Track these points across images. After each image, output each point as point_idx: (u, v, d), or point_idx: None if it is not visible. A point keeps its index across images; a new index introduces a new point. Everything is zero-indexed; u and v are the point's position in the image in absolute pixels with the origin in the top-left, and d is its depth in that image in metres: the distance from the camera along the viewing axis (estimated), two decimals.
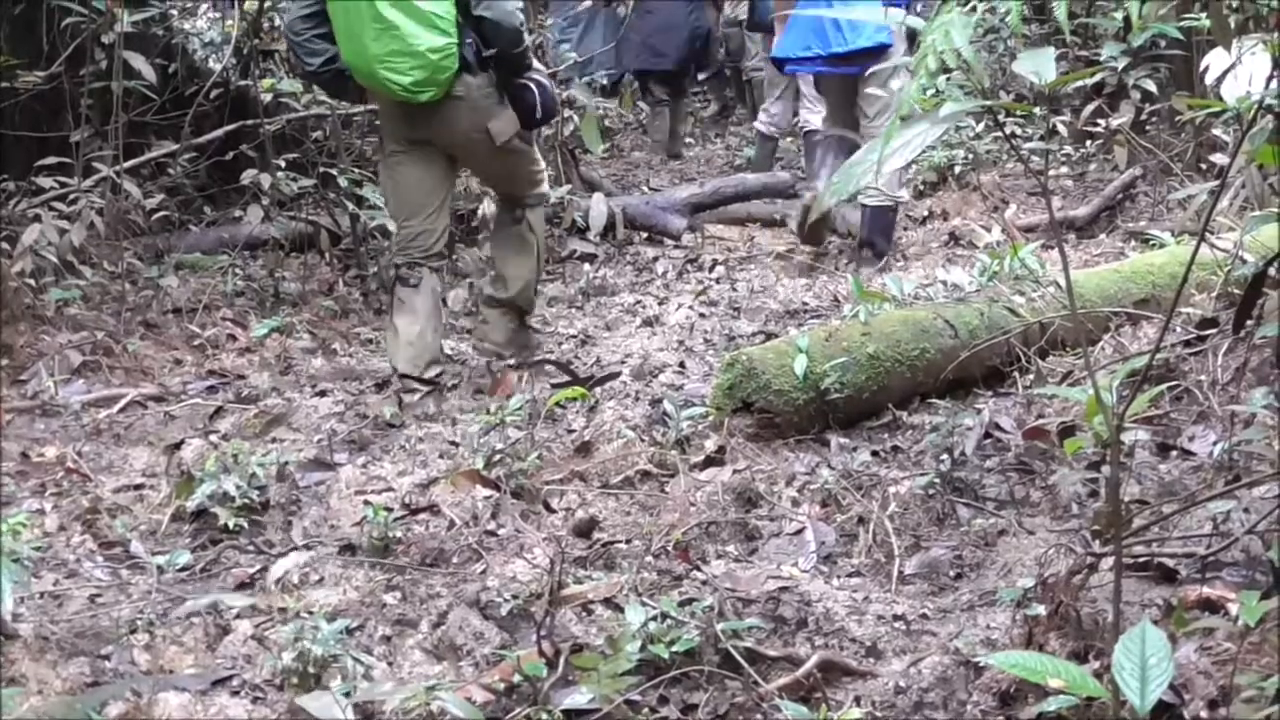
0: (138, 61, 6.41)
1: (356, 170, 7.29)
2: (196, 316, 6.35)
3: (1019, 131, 8.71)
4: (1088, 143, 8.83)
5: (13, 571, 3.22)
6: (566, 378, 5.50)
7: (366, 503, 4.09)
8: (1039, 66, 2.36)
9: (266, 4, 7.59)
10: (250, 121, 7.21)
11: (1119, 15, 7.40)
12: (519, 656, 3.05)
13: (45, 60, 6.70)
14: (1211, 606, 2.88)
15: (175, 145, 7.14)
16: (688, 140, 12.26)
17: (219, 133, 7.23)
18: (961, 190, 8.68)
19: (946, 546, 3.76)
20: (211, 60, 8.27)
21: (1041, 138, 8.59)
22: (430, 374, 5.29)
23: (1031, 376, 4.69)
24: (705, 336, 6.11)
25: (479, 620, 3.38)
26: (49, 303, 5.97)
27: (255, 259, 7.28)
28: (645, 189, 9.76)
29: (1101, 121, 8.19)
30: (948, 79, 2.67)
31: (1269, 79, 2.92)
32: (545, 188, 5.78)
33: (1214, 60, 3.81)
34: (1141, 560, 3.20)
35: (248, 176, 6.91)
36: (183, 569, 3.83)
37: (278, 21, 7.81)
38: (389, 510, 4.01)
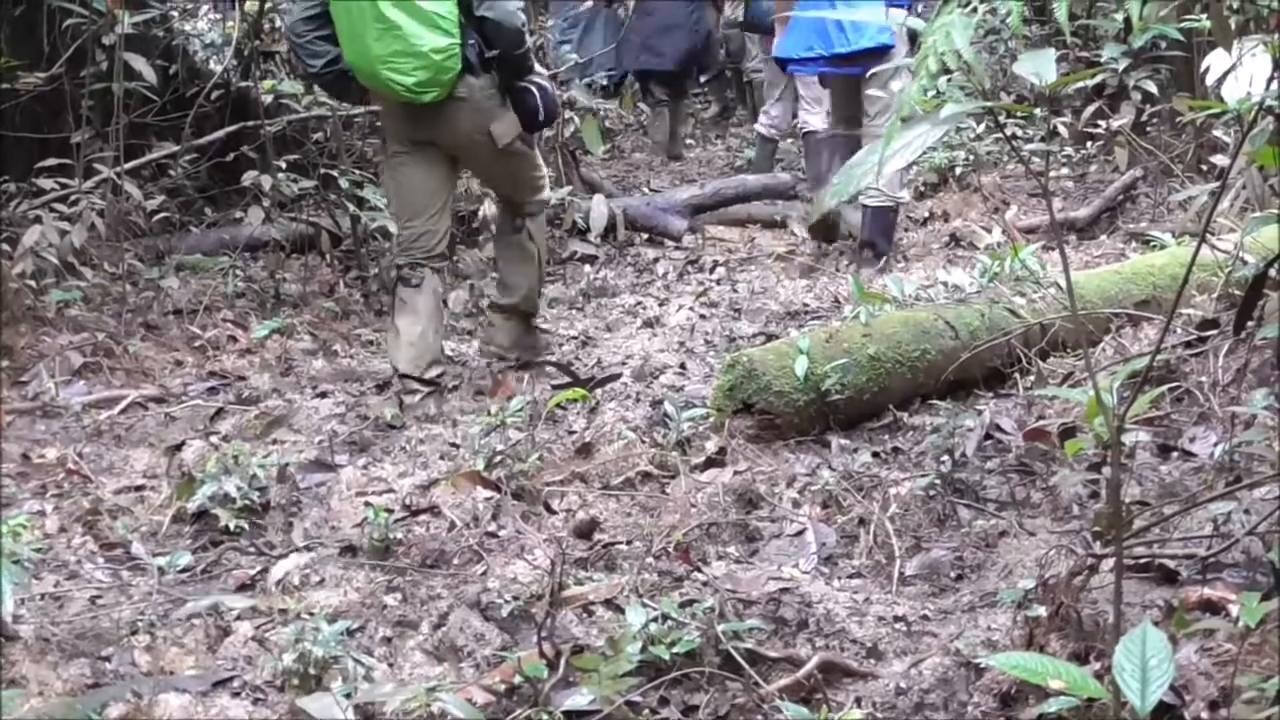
0: (138, 63, 6.42)
1: (357, 172, 7.29)
2: (197, 318, 6.36)
3: (1020, 133, 8.72)
4: (1088, 144, 8.83)
5: (13, 573, 3.23)
6: (567, 379, 5.50)
7: (367, 504, 4.09)
8: (1040, 68, 2.36)
9: (267, 5, 7.59)
10: (251, 123, 7.21)
11: (1119, 16, 7.38)
12: (520, 658, 3.05)
13: (46, 61, 6.70)
14: (1212, 608, 2.88)
15: (176, 147, 7.14)
16: (688, 141, 12.26)
17: (220, 134, 7.23)
18: (962, 191, 8.69)
19: (947, 548, 3.76)
20: (212, 61, 8.27)
21: (1042, 139, 8.60)
22: (431, 374, 5.29)
23: (1032, 378, 4.69)
24: (706, 338, 6.11)
25: (480, 621, 3.38)
26: (50, 304, 5.97)
27: (256, 260, 7.28)
28: (646, 190, 9.76)
29: (1102, 123, 8.18)
30: (948, 80, 2.67)
31: (1269, 80, 2.92)
32: (546, 194, 5.78)
33: (1214, 61, 3.80)
34: (1142, 561, 3.20)
35: (248, 178, 6.92)
36: (183, 570, 3.83)
37: (278, 23, 7.81)
38: (390, 511, 4.01)
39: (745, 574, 3.62)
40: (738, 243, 8.44)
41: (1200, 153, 7.47)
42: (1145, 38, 6.84)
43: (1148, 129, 8.24)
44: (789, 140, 10.63)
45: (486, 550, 3.84)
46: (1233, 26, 3.84)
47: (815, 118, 9.23)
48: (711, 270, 7.70)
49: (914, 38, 6.27)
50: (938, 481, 4.01)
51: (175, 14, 8.30)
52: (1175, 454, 3.97)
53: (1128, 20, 6.54)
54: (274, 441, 4.89)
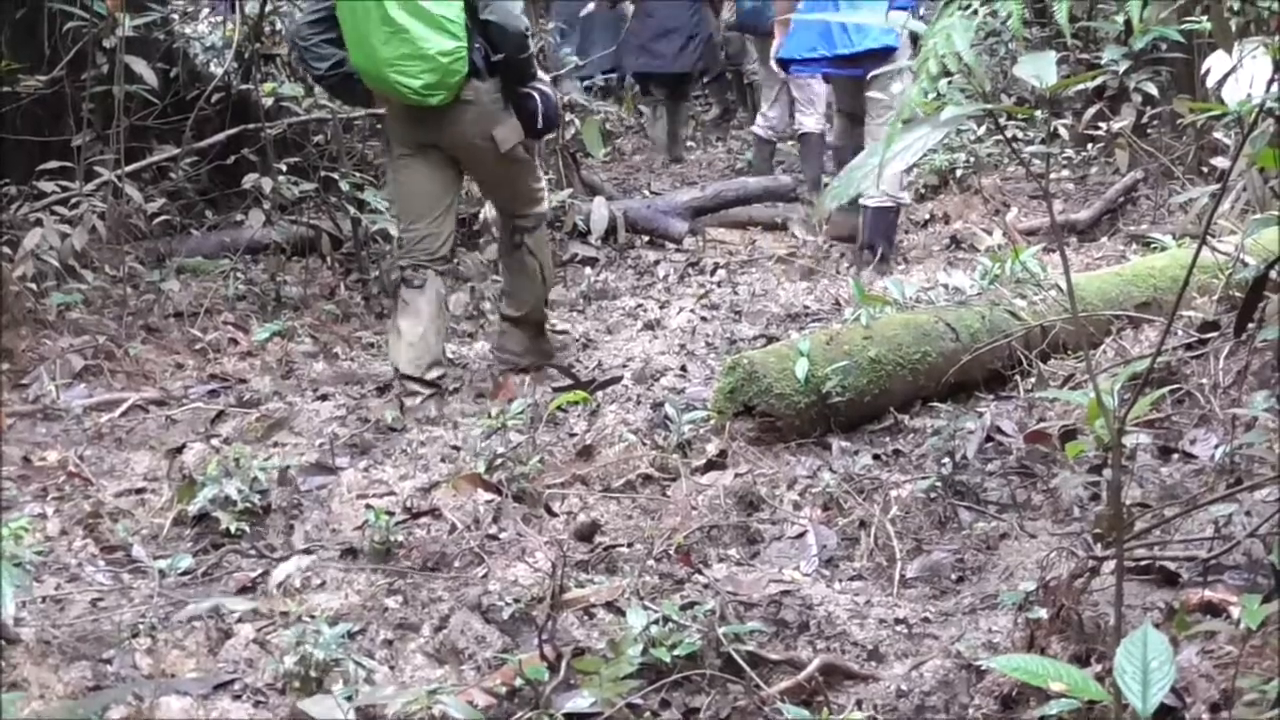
0: (139, 66, 6.42)
1: (358, 174, 7.30)
2: (198, 320, 6.36)
3: (1020, 135, 8.73)
4: (1089, 146, 8.83)
5: (14, 576, 3.22)
6: (568, 381, 5.50)
7: (368, 506, 4.09)
8: (1040, 70, 2.36)
9: (268, 8, 7.59)
10: (252, 126, 7.22)
11: (1120, 19, 7.37)
12: (520, 660, 3.05)
13: (47, 64, 6.70)
14: (1213, 610, 2.88)
15: (177, 149, 7.14)
16: (689, 144, 12.26)
17: (220, 137, 7.24)
18: (963, 193, 8.69)
19: (948, 550, 3.76)
20: (213, 64, 8.27)
21: (1043, 141, 8.60)
22: (432, 375, 5.29)
23: (1033, 380, 4.69)
24: (706, 340, 6.11)
25: (480, 624, 3.39)
26: (50, 307, 5.97)
27: (257, 263, 7.28)
28: (646, 193, 9.76)
29: (1103, 125, 8.18)
30: (949, 82, 2.67)
31: (1270, 82, 2.92)
32: (544, 206, 5.78)
33: (1215, 63, 3.81)
34: (1143, 563, 3.21)
35: (249, 180, 6.92)
36: (184, 573, 3.83)
37: (279, 25, 7.82)
38: (390, 514, 4.00)
39: (746, 576, 3.62)
40: (738, 245, 8.44)
41: (1201, 155, 7.48)
42: (1146, 40, 6.83)
43: (1148, 131, 8.25)
44: (789, 142, 10.63)
45: (487, 553, 3.84)
46: (1233, 28, 3.84)
47: (811, 119, 9.25)
48: (712, 272, 7.70)
49: (916, 40, 6.27)
50: (939, 484, 4.01)
51: (176, 17, 8.32)
52: (1176, 456, 3.97)
53: (1128, 22, 6.53)
54: (275, 444, 4.89)
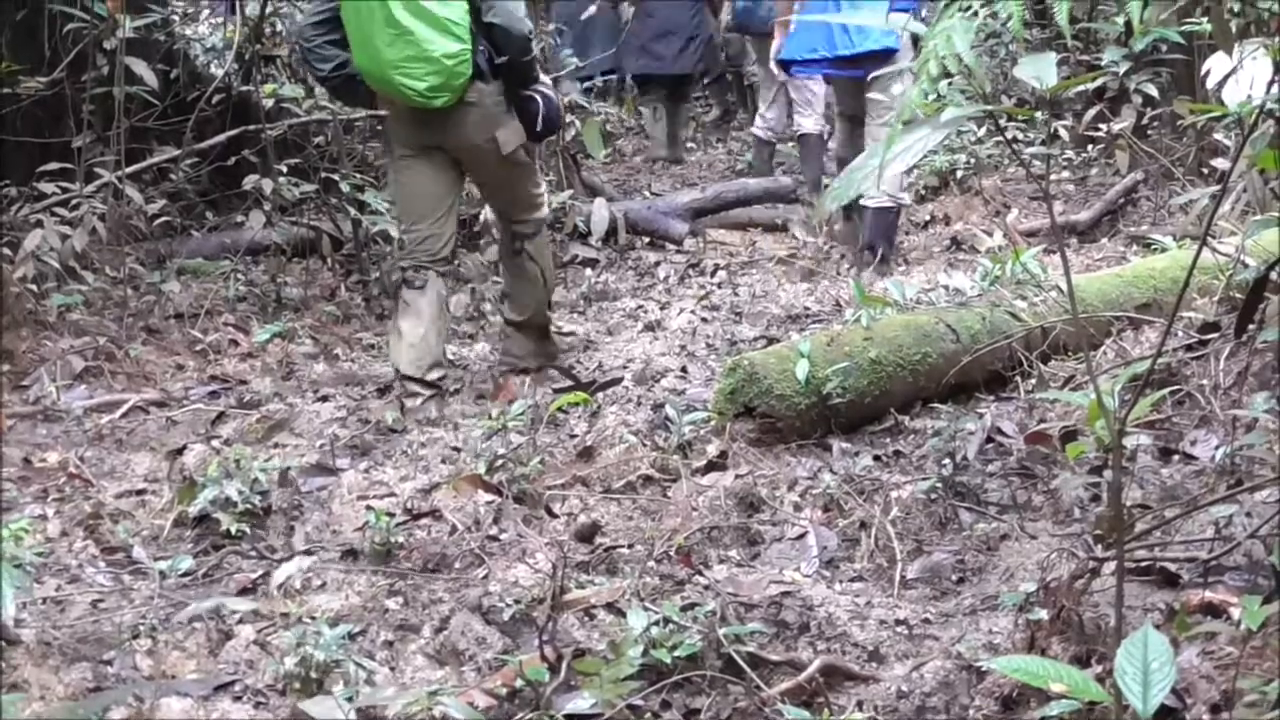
0: (139, 67, 6.42)
1: (358, 175, 7.30)
2: (198, 322, 6.36)
3: (1020, 136, 8.72)
4: (1089, 147, 8.83)
5: (15, 577, 3.22)
6: (569, 383, 5.50)
7: (369, 508, 4.09)
8: (1040, 71, 2.36)
9: (268, 9, 7.59)
10: (252, 127, 7.21)
11: (1120, 20, 7.38)
12: (521, 661, 3.05)
13: (47, 66, 6.70)
14: (1214, 611, 2.88)
15: (177, 151, 7.14)
16: (689, 145, 12.26)
17: (221, 138, 7.23)
18: (963, 195, 8.69)
19: (948, 551, 3.76)
20: (213, 65, 8.28)
21: (1043, 142, 8.60)
22: (432, 376, 5.29)
23: (1033, 381, 4.69)
24: (707, 341, 6.11)
25: (481, 625, 3.39)
26: (51, 308, 5.97)
27: (257, 264, 7.29)
28: (647, 194, 9.76)
29: (1103, 126, 8.18)
30: (949, 84, 2.67)
31: (1270, 83, 2.92)
32: (544, 212, 5.78)
33: (1215, 65, 3.81)
34: (1143, 565, 3.21)
35: (250, 182, 6.92)
36: (185, 574, 3.83)
37: (279, 27, 7.82)
38: (391, 515, 4.00)
39: (747, 577, 3.62)
40: (739, 246, 8.44)
41: (1201, 156, 7.48)
42: (1146, 41, 6.84)
43: (1149, 132, 8.25)
44: (789, 144, 10.63)
45: (488, 554, 3.84)
46: (1233, 30, 3.84)
47: (809, 121, 9.26)
48: (713, 274, 7.70)
49: (917, 41, 6.27)
50: (939, 485, 4.01)
51: (176, 18, 8.32)
52: (1176, 457, 3.97)
53: (1128, 23, 6.53)
54: (275, 445, 4.89)
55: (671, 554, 3.75)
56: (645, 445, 4.49)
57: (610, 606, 3.43)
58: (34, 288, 5.97)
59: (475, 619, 3.41)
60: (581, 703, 2.94)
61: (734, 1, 10.44)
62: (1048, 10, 8.64)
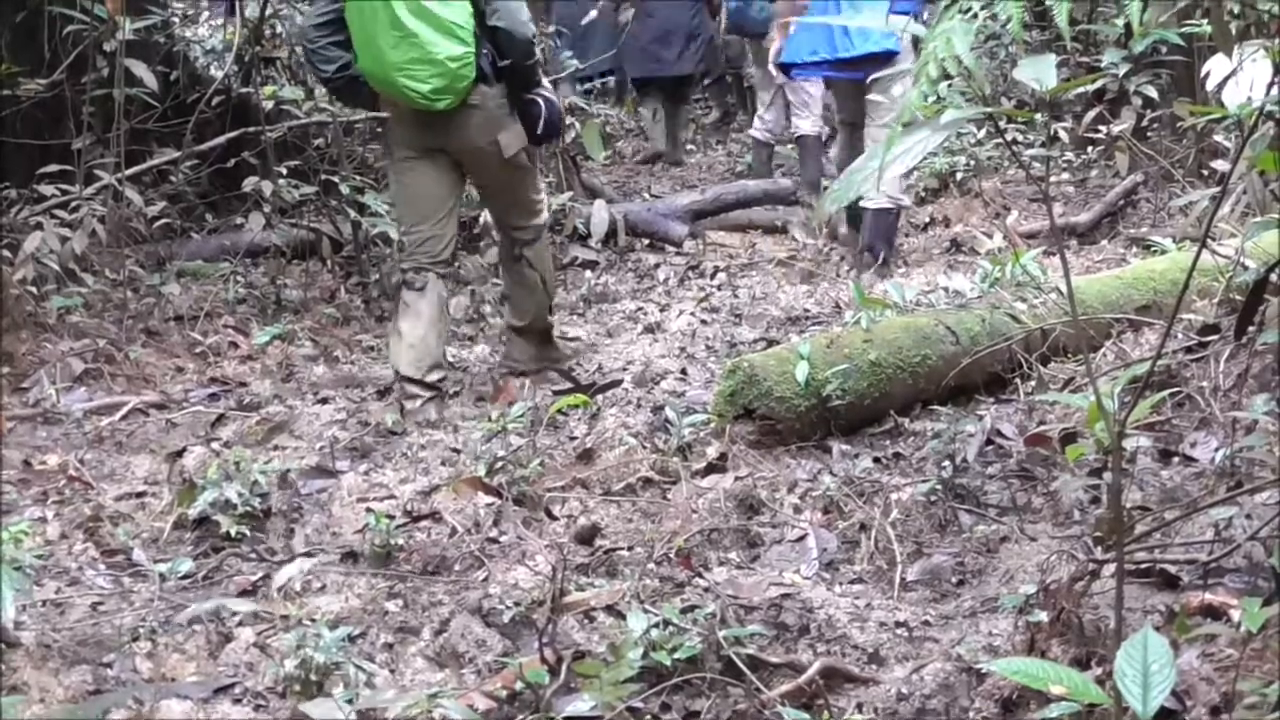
0: (139, 69, 6.42)
1: (358, 177, 7.30)
2: (198, 324, 6.36)
3: (1020, 138, 8.73)
4: (1089, 149, 8.84)
5: (15, 579, 3.22)
6: (568, 385, 5.50)
7: (368, 510, 4.09)
8: (1040, 73, 2.36)
9: (268, 11, 7.59)
10: (252, 129, 7.22)
11: (1120, 22, 7.39)
12: (521, 664, 3.05)
13: (47, 68, 6.71)
14: (1213, 613, 2.88)
15: (177, 153, 7.15)
16: (689, 147, 12.27)
17: (221, 140, 7.24)
18: (963, 197, 8.69)
19: (948, 553, 3.76)
20: (213, 67, 8.28)
21: (1043, 144, 8.61)
22: (432, 378, 5.29)
23: (1033, 383, 4.69)
24: (707, 343, 6.11)
25: (481, 627, 3.38)
26: (51, 310, 5.98)
27: (257, 266, 7.29)
28: (646, 196, 9.77)
29: (1103, 128, 8.19)
30: (949, 86, 2.67)
31: (1270, 85, 2.92)
32: (543, 218, 5.78)
33: (1215, 66, 3.81)
34: (1143, 566, 3.20)
35: (249, 184, 6.93)
36: (185, 576, 3.83)
37: (279, 28, 7.82)
38: (391, 517, 4.00)
39: (746, 579, 3.61)
40: (738, 248, 8.45)
41: (1201, 158, 7.48)
42: (1146, 43, 6.85)
43: (1148, 134, 8.25)
44: (789, 145, 10.64)
45: (488, 556, 3.84)
46: (1233, 31, 3.85)
47: (806, 122, 9.27)
48: (712, 276, 7.70)
49: (917, 43, 6.27)
50: (939, 487, 4.01)
51: (176, 20, 8.32)
52: (1176, 459, 3.97)
53: (1128, 25, 6.54)
54: (275, 448, 4.89)
55: (671, 556, 3.75)
56: (645, 447, 4.49)
57: (610, 609, 3.43)
58: (34, 290, 5.97)
59: (475, 621, 3.41)
60: (581, 705, 2.93)
61: (728, 2, 10.45)
62: (1047, 12, 8.65)
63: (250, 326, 6.50)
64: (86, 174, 6.49)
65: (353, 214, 6.99)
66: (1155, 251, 6.15)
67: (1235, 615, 2.71)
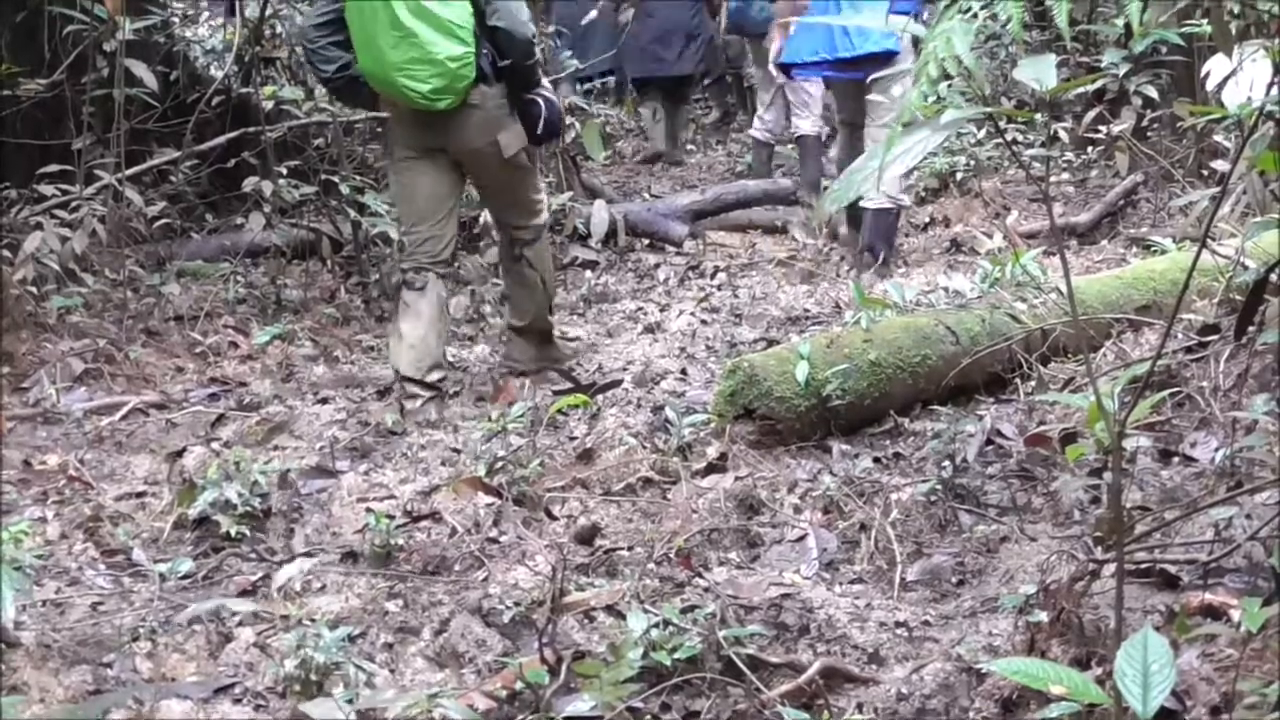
0: (139, 69, 6.42)
1: (358, 177, 7.31)
2: (198, 324, 6.36)
3: (1020, 138, 8.73)
4: (1089, 149, 8.83)
5: (15, 579, 3.22)
6: (568, 385, 5.50)
7: (368, 510, 4.09)
8: (1040, 73, 2.36)
9: (268, 11, 7.59)
10: (252, 129, 7.22)
11: (1120, 22, 7.39)
12: (521, 664, 3.05)
13: (47, 68, 6.71)
14: (1214, 613, 2.88)
15: (177, 153, 7.15)
16: (689, 147, 12.27)
17: (221, 140, 7.24)
18: (963, 197, 8.69)
19: (948, 553, 3.76)
20: (213, 68, 8.28)
21: (1043, 144, 8.60)
22: (432, 378, 5.29)
23: (1033, 383, 4.69)
24: (707, 343, 6.11)
25: (481, 627, 3.38)
26: (51, 310, 5.98)
27: (257, 266, 7.29)
28: (646, 196, 9.77)
29: (1103, 128, 8.19)
30: (949, 86, 2.67)
31: (1270, 85, 2.92)
32: (543, 218, 5.78)
33: (1215, 66, 3.81)
34: (1143, 567, 3.20)
35: (249, 184, 6.93)
36: (185, 576, 3.83)
37: (279, 29, 7.83)
38: (391, 517, 4.00)
39: (746, 579, 3.61)
40: (739, 248, 8.45)
41: (1201, 158, 7.48)
42: (1146, 43, 6.85)
43: (1148, 134, 8.25)
44: (789, 145, 10.64)
45: (488, 556, 3.84)
46: (1233, 31, 3.85)
47: (806, 122, 9.27)
48: (712, 276, 7.70)
49: (917, 43, 6.27)
50: (939, 487, 4.01)
51: (176, 20, 8.32)
52: (1176, 459, 3.96)
53: (1128, 25, 6.54)
54: (275, 448, 4.89)
55: (671, 556, 3.75)
56: (645, 447, 4.49)
57: (610, 609, 3.43)
58: (34, 290, 5.97)
59: (475, 621, 3.41)
60: (581, 705, 2.93)
61: (728, 2, 10.45)
62: (1047, 12, 8.66)
63: (250, 326, 6.50)
64: (86, 174, 6.50)
65: (353, 214, 7.00)
66: (1155, 251, 6.15)
67: (1235, 615, 2.71)
